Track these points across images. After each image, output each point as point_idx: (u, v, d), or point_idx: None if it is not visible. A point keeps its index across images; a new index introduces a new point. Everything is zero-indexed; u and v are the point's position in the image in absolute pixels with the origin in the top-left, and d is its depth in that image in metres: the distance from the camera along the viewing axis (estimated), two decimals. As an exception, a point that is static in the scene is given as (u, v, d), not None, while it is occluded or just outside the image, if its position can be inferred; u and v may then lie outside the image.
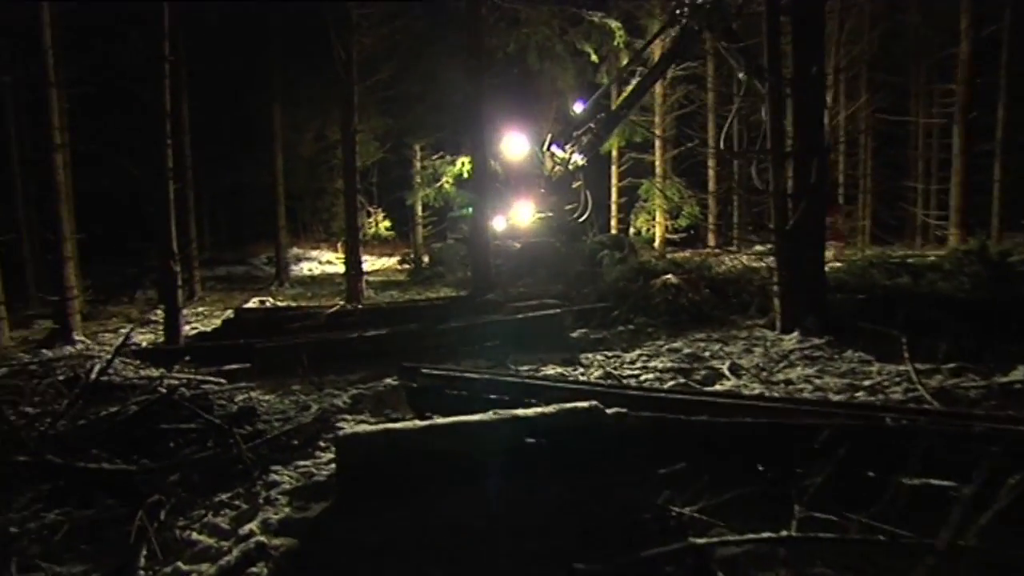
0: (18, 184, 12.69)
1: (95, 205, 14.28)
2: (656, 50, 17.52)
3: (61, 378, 4.23)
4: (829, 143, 8.20)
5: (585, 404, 3.45)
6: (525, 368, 6.09)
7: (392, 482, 3.12)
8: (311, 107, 17.83)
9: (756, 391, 4.77)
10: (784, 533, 2.43)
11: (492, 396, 4.34)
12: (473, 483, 3.14)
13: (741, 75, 9.55)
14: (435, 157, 16.24)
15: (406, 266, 18.24)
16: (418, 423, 3.29)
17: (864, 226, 17.13)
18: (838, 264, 9.40)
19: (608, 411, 3.44)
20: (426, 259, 17.42)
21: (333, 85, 13.32)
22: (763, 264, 8.20)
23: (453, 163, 15.48)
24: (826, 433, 2.86)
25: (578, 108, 12.40)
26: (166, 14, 7.48)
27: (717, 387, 5.01)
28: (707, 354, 6.27)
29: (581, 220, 13.58)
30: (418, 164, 17.79)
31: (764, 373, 5.29)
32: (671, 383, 5.13)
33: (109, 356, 4.60)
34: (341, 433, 3.18)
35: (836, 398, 4.39)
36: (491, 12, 10.90)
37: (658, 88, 16.78)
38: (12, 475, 3.39)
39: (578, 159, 12.32)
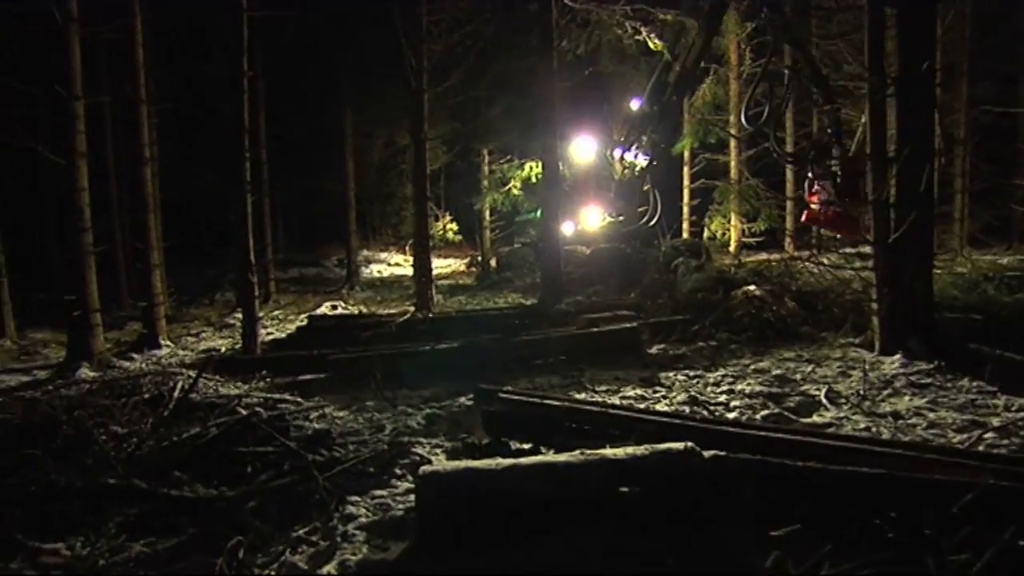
0: (113, 196, 13.41)
1: (176, 209, 14.93)
2: (731, 46, 16.85)
3: (147, 396, 4.29)
4: (939, 146, 7.52)
5: (680, 446, 3.17)
6: (603, 387, 5.84)
7: (473, 525, 2.95)
8: (381, 113, 18.08)
9: (860, 425, 4.35)
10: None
11: (573, 424, 4.14)
12: (559, 531, 2.94)
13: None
14: (503, 161, 16.14)
15: (473, 269, 18.27)
16: (501, 461, 3.10)
17: (962, 230, 15.83)
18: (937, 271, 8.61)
19: (705, 454, 3.16)
20: (493, 263, 17.37)
21: (402, 92, 13.45)
22: (851, 272, 7.59)
23: (521, 167, 15.32)
24: (970, 496, 2.49)
25: (634, 106, 12.02)
26: (245, 30, 7.63)
27: (815, 418, 4.62)
28: (798, 376, 5.84)
29: (651, 224, 13.13)
30: (486, 168, 17.75)
31: (867, 403, 4.84)
32: (763, 412, 4.76)
33: (191, 374, 4.66)
34: (421, 470, 3.04)
35: (958, 438, 3.94)
36: (562, 14, 10.64)
37: (733, 86, 16.09)
38: (102, 496, 3.42)
39: (640, 160, 11.91)
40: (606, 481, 3.03)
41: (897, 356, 5.82)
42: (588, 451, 3.20)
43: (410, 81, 10.40)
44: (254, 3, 8.22)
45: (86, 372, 7.69)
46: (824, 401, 4.93)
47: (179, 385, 4.45)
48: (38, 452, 3.45)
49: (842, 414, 4.58)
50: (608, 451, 3.20)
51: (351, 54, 16.69)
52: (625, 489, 2.89)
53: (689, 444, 3.20)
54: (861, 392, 5.07)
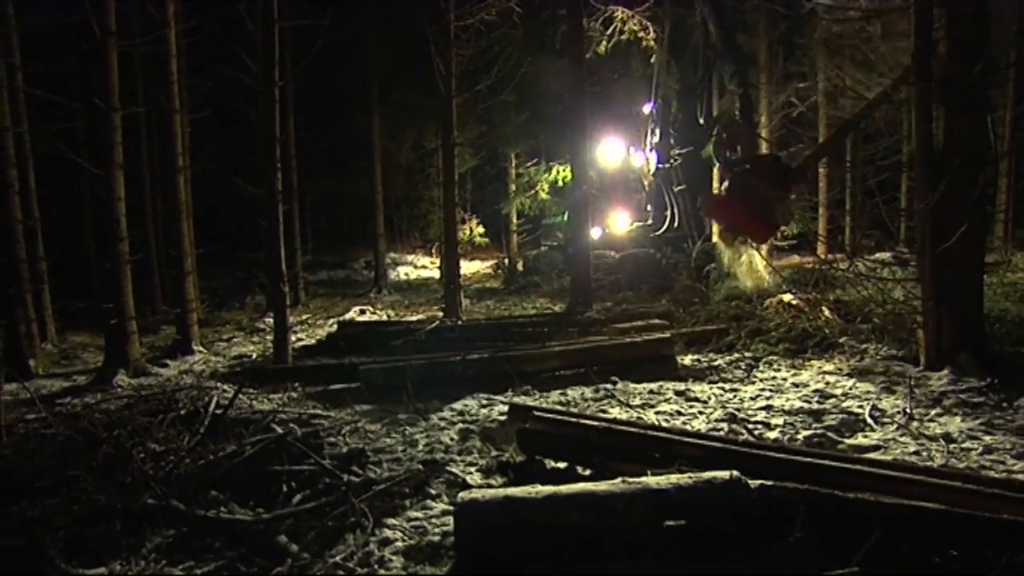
0: (148, 204, 13.67)
1: (206, 213, 15.16)
2: (762, 46, 16.51)
3: (183, 412, 4.31)
4: (994, 153, 7.26)
5: (725, 475, 3.07)
6: (637, 402, 5.73)
7: (512, 556, 2.89)
8: (409, 117, 18.15)
9: (909, 448, 4.18)
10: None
11: (609, 445, 4.05)
12: (600, 564, 2.86)
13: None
14: (530, 165, 16.06)
15: (499, 273, 18.22)
16: (541, 489, 3.03)
17: (1007, 232, 15.26)
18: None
19: (751, 484, 3.05)
20: (520, 266, 17.30)
21: (430, 96, 13.44)
22: (882, 275, 7.32)
23: (549, 171, 15.23)
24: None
25: (646, 109, 11.86)
26: (276, 41, 7.67)
27: (860, 438, 4.46)
28: (839, 392, 5.66)
29: (675, 227, 12.93)
30: (513, 172, 17.69)
31: (914, 423, 4.65)
32: (805, 432, 4.61)
33: (226, 389, 4.68)
34: (460, 498, 2.99)
35: (1018, 466, 3.75)
36: (591, 18, 10.53)
37: (763, 88, 15.75)
38: (141, 518, 3.44)
39: (656, 162, 11.75)
40: (649, 512, 2.94)
41: (945, 372, 5.59)
42: (630, 479, 3.12)
43: (439, 87, 10.38)
44: (285, 13, 8.26)
45: (123, 379, 7.83)
46: (868, 420, 4.76)
47: (214, 400, 4.47)
48: (79, 473, 3.47)
49: (888, 435, 4.41)
50: (651, 479, 3.11)
51: (379, 59, 16.79)
52: (671, 523, 2.79)
53: (735, 473, 3.09)
54: (908, 411, 4.88)
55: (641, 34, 10.30)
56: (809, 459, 3.44)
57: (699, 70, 9.62)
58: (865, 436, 4.47)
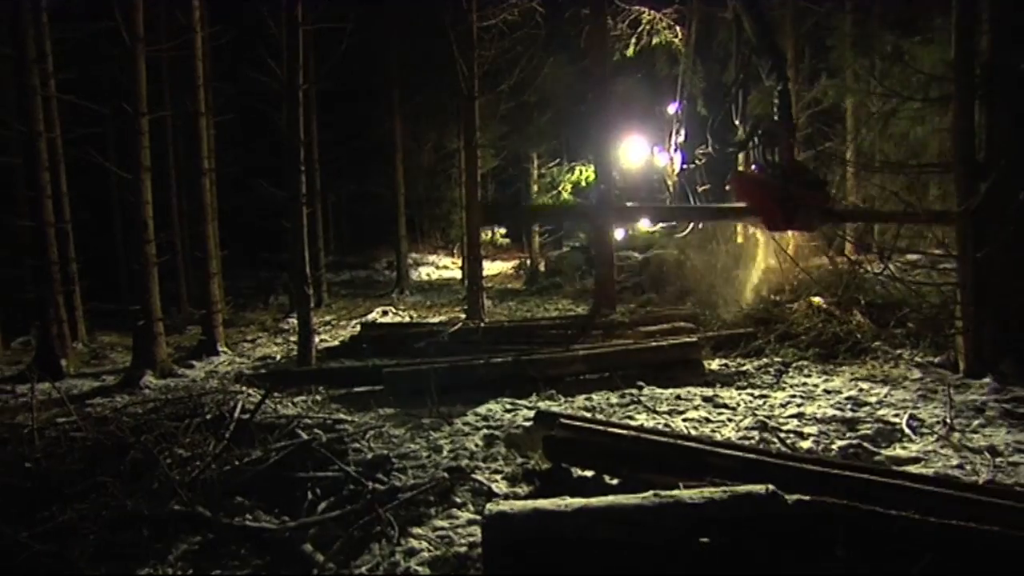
0: (174, 206, 13.86)
1: (230, 214, 15.32)
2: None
3: (208, 416, 4.32)
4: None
5: (761, 489, 2.97)
6: (664, 408, 5.63)
7: (542, 571, 2.83)
8: (430, 118, 18.18)
9: (952, 461, 4.02)
10: None
11: (638, 454, 3.97)
12: (632, 580, 2.78)
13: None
14: (552, 165, 15.97)
15: (521, 273, 18.18)
16: (570, 502, 2.96)
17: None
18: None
19: (788, 499, 2.95)
20: (542, 267, 17.23)
21: (452, 97, 13.43)
22: (917, 278, 7.08)
23: (571, 171, 15.12)
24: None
25: (671, 109, 11.67)
26: (300, 44, 7.69)
27: (898, 450, 4.31)
28: (873, 399, 5.49)
29: (700, 227, 12.73)
30: (535, 172, 17.63)
31: (956, 434, 4.49)
32: (840, 442, 4.47)
33: (251, 393, 4.68)
34: (487, 510, 2.92)
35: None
36: (615, 18, 10.41)
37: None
38: (168, 523, 3.44)
39: (680, 162, 11.55)
40: (682, 528, 2.85)
41: (987, 379, 5.40)
42: (662, 492, 3.03)
43: (461, 87, 10.35)
44: (309, 17, 8.29)
45: (150, 380, 7.93)
46: (906, 430, 4.60)
47: (239, 405, 4.47)
48: (108, 479, 3.49)
49: (929, 447, 4.25)
50: (683, 493, 3.02)
51: (401, 60, 16.83)
52: (706, 540, 2.71)
53: (771, 488, 2.99)
54: (948, 421, 4.71)
55: (671, 37, 10.14)
56: (848, 472, 3.32)
57: (734, 70, 9.41)
58: (903, 447, 4.32)
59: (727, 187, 8.34)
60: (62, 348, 9.06)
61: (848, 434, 4.68)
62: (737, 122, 8.55)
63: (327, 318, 13.34)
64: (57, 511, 3.43)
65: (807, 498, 3.01)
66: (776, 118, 7.28)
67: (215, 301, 9.90)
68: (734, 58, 11.40)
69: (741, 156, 12.41)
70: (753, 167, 7.73)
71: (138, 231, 8.06)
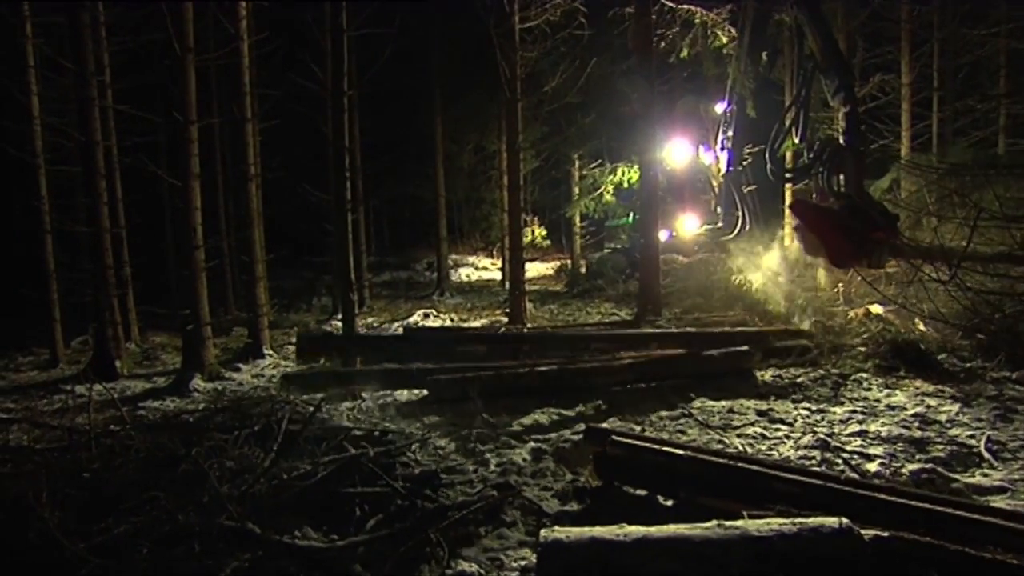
0: (222, 210, 14.17)
1: (275, 218, 15.59)
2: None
3: (257, 428, 4.32)
4: None
5: (834, 522, 2.78)
6: (716, 422, 5.43)
7: (599, 604, 2.70)
8: (471, 120, 18.17)
9: (1039, 489, 3.73)
10: None
11: (695, 476, 3.80)
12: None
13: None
14: (593, 166, 15.75)
15: (562, 275, 18.01)
16: (629, 531, 2.83)
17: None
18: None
19: (864, 534, 2.75)
20: (583, 269, 17.03)
21: (492, 99, 13.35)
22: (990, 286, 6.65)
23: (613, 172, 14.89)
24: None
25: (719, 108, 11.34)
26: (345, 51, 7.71)
27: (978, 477, 4.02)
28: (943, 418, 5.18)
29: (747, 230, 12.37)
30: (576, 174, 17.44)
31: (1042, 459, 4.18)
32: (910, 466, 4.20)
33: (299, 401, 4.68)
34: (542, 537, 2.81)
35: None
36: (661, 16, 10.16)
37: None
38: (219, 538, 3.43)
39: (727, 163, 11.22)
40: (749, 562, 2.69)
41: (1069, 398, 5.04)
42: (726, 523, 2.87)
43: (502, 89, 10.25)
44: (352, 23, 8.30)
45: (199, 383, 8.08)
46: (985, 453, 4.30)
47: (287, 416, 4.46)
48: (160, 493, 3.50)
49: (1014, 474, 3.95)
50: (750, 524, 2.85)
51: (443, 63, 16.84)
52: (779, 581, 2.54)
53: (845, 521, 2.80)
54: (1029, 443, 4.40)
55: (725, 40, 9.83)
56: (927, 505, 3.10)
57: (796, 85, 9.03)
58: (984, 474, 4.03)
59: (787, 211, 7.99)
60: (116, 349, 9.31)
61: (918, 456, 4.41)
62: (797, 140, 8.18)
63: (369, 320, 13.43)
64: (112, 523, 3.45)
65: (885, 534, 2.82)
66: (843, 142, 6.85)
67: (261, 305, 10.03)
68: (793, 74, 10.99)
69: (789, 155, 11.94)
70: (815, 196, 7.29)
71: (187, 237, 8.21)
